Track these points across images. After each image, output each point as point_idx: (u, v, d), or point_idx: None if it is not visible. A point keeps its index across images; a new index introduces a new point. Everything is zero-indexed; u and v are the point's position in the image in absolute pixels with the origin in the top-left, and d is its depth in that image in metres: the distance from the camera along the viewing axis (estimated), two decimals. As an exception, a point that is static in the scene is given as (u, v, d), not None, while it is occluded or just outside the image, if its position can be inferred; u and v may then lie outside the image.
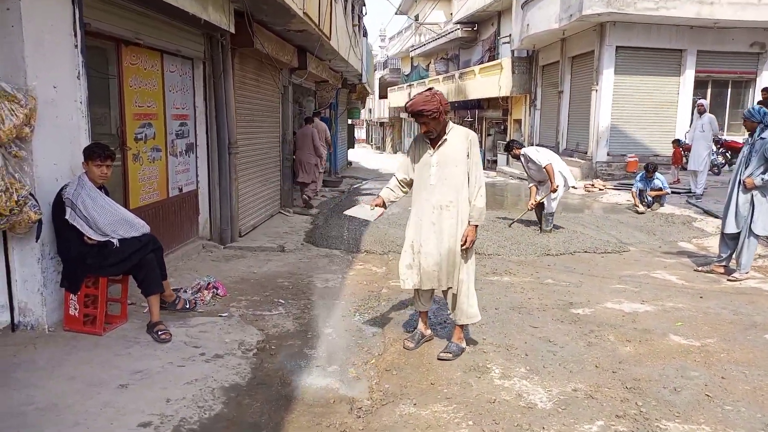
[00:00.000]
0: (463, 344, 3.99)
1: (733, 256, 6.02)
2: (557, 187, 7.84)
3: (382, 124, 46.81)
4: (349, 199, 12.72)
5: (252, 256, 6.78)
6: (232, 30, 6.53)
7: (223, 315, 4.66)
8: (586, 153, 15.96)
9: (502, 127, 24.47)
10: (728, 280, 5.87)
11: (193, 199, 6.79)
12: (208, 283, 5.16)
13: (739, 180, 5.75)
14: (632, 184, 12.76)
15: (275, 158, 10.10)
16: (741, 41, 14.98)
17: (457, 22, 26.17)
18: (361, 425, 3.06)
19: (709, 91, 15.68)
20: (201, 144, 6.83)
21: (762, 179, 5.57)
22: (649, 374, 3.65)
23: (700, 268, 6.30)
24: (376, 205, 3.97)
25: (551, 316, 4.76)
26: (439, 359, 3.85)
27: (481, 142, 26.12)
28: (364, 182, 17.16)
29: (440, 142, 3.74)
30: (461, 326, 3.99)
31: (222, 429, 2.96)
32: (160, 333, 3.95)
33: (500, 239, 7.86)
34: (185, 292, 4.91)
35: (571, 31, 15.92)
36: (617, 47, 14.85)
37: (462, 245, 3.74)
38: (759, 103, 13.66)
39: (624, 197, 11.89)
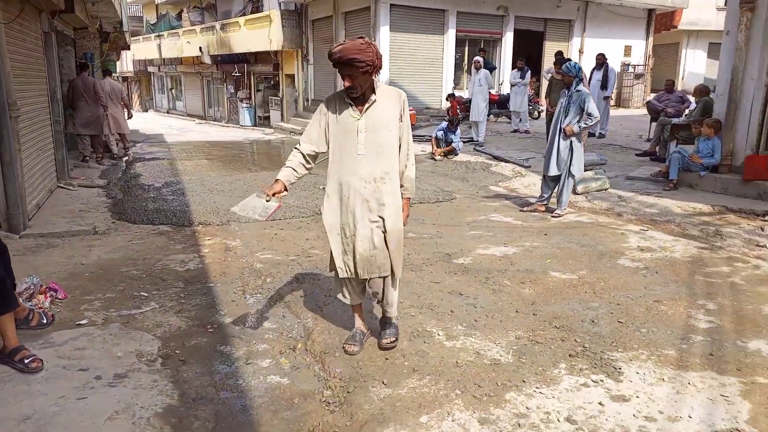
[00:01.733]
0: (396, 322, 3.59)
1: (553, 194, 6.84)
2: None
3: (125, 78, 41.86)
4: (132, 166, 11.12)
5: (65, 245, 5.49)
6: (8, -46, 4.98)
7: (82, 323, 3.70)
8: (367, 107, 16.45)
9: (273, 83, 23.86)
10: (552, 216, 6.66)
11: (-32, 179, 5.18)
12: (41, 286, 4.04)
13: (560, 128, 6.48)
14: (421, 136, 13.67)
15: (45, 121, 8.26)
16: (490, 4, 16.76)
17: (214, -31, 24.31)
18: (346, 420, 2.73)
19: (466, 48, 17.32)
20: (-28, 106, 5.19)
21: (579, 127, 6.36)
22: (563, 311, 3.95)
23: (525, 209, 7.02)
24: (273, 194, 3.16)
25: (442, 270, 4.83)
26: (383, 348, 3.40)
27: (250, 97, 25.18)
28: (135, 145, 15.23)
29: (369, 104, 3.11)
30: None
31: (198, 467, 2.35)
32: (26, 360, 2.96)
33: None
34: (13, 300, 3.75)
35: (346, -15, 16.02)
36: (391, 5, 15.42)
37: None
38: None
39: (418, 148, 12.60)
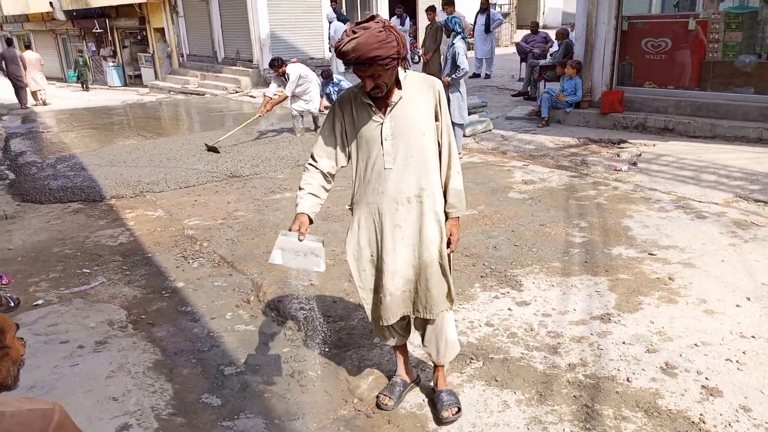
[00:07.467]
0: (452, 389, 2.84)
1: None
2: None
3: (-40, 40, 37.06)
4: (9, 142, 10.44)
5: (-22, 232, 5.42)
6: None
7: (39, 303, 3.92)
8: (251, 61, 16.29)
9: (140, 38, 22.53)
10: (447, 160, 7.42)
11: None
12: (-17, 274, 4.13)
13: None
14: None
15: None
16: (364, -50, 16.99)
17: None
18: (315, 351, 3.29)
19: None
20: None
21: (453, 77, 7.05)
22: (470, 242, 4.70)
23: (422, 154, 7.73)
24: (304, 231, 2.42)
25: (362, 217, 5.41)
26: (443, 423, 2.66)
27: (115, 55, 23.63)
28: (1, 118, 14.11)
29: (393, 103, 2.41)
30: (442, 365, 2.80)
31: (201, 406, 2.82)
32: (9, 342, 3.18)
33: (256, 156, 7.94)
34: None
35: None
36: (265, -48, 15.19)
37: (448, 248, 2.58)
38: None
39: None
